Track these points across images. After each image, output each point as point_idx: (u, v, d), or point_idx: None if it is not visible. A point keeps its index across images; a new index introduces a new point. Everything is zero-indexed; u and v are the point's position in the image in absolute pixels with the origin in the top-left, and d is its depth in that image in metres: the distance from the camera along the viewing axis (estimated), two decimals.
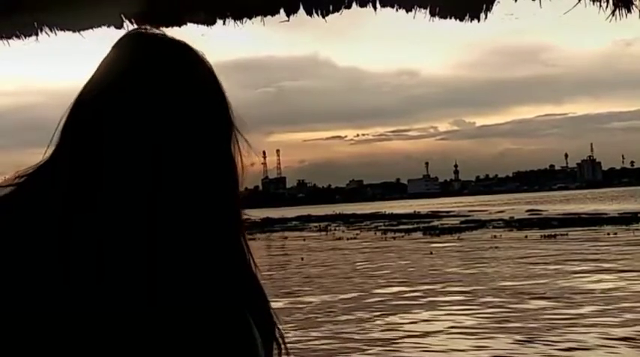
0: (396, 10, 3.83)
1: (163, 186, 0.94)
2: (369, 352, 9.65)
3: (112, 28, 3.95)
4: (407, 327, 11.16)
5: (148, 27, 1.06)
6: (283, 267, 21.88)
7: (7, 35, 4.10)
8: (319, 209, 79.99)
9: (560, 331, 10.09)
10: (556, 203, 74.35)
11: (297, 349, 8.98)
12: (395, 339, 10.29)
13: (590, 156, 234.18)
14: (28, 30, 4.02)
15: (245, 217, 1.02)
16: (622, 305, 11.81)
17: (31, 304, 0.88)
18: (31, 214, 0.93)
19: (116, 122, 0.95)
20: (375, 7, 3.78)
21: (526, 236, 29.33)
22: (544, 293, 13.65)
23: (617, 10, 3.57)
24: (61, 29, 4.06)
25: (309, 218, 58.19)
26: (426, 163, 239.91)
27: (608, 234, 28.10)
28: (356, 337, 10.56)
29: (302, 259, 24.41)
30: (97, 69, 1.01)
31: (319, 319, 12.12)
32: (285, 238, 38.94)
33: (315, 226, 46.47)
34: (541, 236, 28.70)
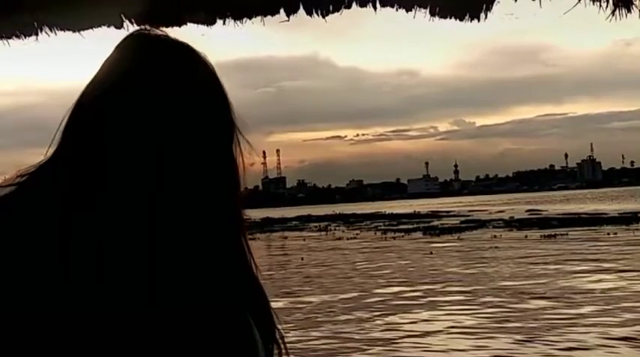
0: (396, 10, 3.82)
1: (165, 186, 0.94)
2: (369, 352, 9.64)
3: (112, 28, 3.95)
4: (407, 327, 11.15)
5: (150, 28, 1.06)
6: (283, 267, 21.86)
7: (7, 35, 4.10)
8: (319, 209, 80.00)
9: (560, 331, 10.09)
10: (556, 203, 74.32)
11: (297, 349, 8.97)
12: (395, 339, 10.28)
13: (590, 156, 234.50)
14: (28, 30, 4.02)
15: (245, 217, 1.02)
16: (622, 305, 11.81)
17: (31, 304, 0.88)
18: (32, 213, 0.93)
19: (118, 123, 0.95)
20: (375, 7, 3.78)
21: (526, 236, 29.31)
22: (544, 293, 13.65)
23: (617, 10, 3.57)
24: (61, 29, 4.05)
25: (309, 218, 58.17)
26: (426, 163, 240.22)
27: (608, 234, 28.09)
28: (356, 336, 10.55)
29: (302, 259, 24.40)
30: (100, 69, 1.02)
31: (319, 319, 12.12)
32: (285, 238, 38.91)
33: (315, 226, 46.43)
34: (541, 236, 28.68)
